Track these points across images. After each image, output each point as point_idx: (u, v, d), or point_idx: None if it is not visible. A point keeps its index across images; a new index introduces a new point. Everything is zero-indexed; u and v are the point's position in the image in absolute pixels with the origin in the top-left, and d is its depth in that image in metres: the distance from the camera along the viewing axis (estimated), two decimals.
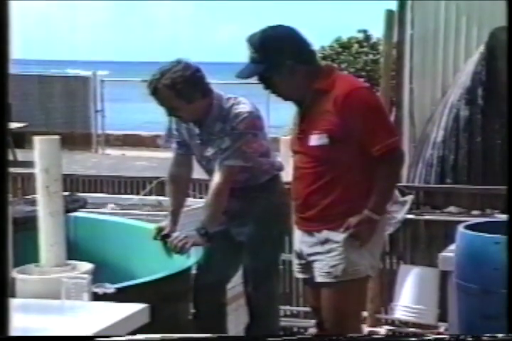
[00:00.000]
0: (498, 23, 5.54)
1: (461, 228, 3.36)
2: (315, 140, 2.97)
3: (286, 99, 3.10)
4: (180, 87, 3.29)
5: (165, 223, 3.58)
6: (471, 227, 3.34)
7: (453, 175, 5.81)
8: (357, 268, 2.96)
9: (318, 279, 3.02)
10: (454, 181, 5.75)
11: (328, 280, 2.99)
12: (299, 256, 3.14)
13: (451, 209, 5.23)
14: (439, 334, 4.04)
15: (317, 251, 3.02)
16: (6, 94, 1.52)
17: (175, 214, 3.59)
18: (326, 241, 2.99)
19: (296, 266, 3.20)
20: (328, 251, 2.98)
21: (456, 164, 5.81)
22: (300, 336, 1.68)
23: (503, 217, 3.58)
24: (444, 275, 3.83)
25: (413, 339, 1.65)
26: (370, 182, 2.94)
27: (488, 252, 3.15)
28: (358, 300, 3.10)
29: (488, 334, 1.63)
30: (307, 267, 3.10)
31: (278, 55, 2.96)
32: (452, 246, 3.49)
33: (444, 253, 3.66)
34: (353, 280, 2.96)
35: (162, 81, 3.30)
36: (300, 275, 3.20)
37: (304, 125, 3.04)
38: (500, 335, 1.64)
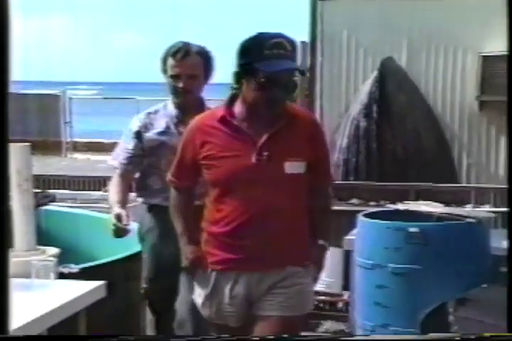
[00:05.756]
0: (387, 53, 5.97)
1: (360, 216, 3.39)
2: (292, 167, 2.20)
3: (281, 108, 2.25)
4: (209, 56, 2.82)
5: (119, 210, 2.70)
6: (368, 215, 3.38)
7: (355, 174, 5.94)
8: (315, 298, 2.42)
9: (276, 312, 2.24)
10: (355, 178, 5.88)
11: (290, 313, 2.24)
12: (242, 301, 2.28)
13: (354, 201, 5.32)
14: (345, 302, 4.08)
15: (279, 286, 2.25)
16: (6, 114, 1.44)
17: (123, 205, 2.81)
18: (289, 276, 2.26)
19: (230, 314, 2.29)
20: (292, 285, 2.25)
21: (358, 165, 5.95)
22: (239, 336, 1.32)
23: (394, 206, 3.63)
24: (348, 254, 3.87)
25: (413, 338, 1.41)
26: (309, 212, 2.32)
27: (381, 235, 3.19)
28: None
29: (490, 334, 1.40)
30: (252, 309, 2.28)
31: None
32: (354, 231, 3.52)
33: (347, 237, 3.69)
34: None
35: (196, 47, 2.79)
36: (236, 324, 2.30)
37: (274, 149, 2.20)
38: (500, 335, 1.42)
